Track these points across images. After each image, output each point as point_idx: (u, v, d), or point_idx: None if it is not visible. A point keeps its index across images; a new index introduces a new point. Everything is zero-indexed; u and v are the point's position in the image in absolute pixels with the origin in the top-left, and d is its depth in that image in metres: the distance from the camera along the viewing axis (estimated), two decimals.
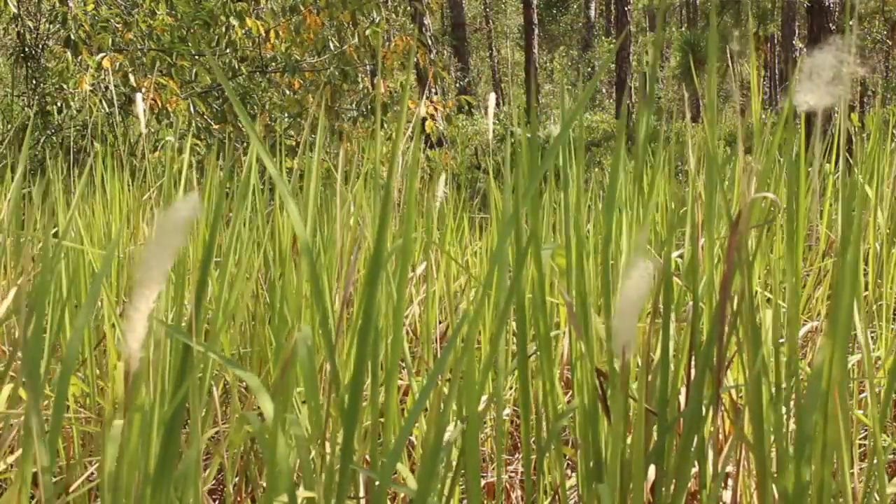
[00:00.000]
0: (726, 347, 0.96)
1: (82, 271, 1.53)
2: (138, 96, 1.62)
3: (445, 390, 0.95)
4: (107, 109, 4.16)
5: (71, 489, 1.34)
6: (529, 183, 0.85)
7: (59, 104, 4.30)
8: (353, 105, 4.85)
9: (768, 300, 1.52)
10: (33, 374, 0.74)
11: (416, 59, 5.09)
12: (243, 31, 4.64)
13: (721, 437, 1.19)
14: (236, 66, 4.72)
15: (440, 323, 1.71)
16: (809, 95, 0.76)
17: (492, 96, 1.20)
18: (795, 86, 0.76)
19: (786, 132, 0.93)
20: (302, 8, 4.74)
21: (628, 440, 0.91)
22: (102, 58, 4.16)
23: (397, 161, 0.79)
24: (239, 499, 1.36)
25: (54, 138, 4.28)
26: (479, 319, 0.85)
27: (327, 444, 0.96)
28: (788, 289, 0.90)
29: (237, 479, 1.37)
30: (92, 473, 1.39)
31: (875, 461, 0.86)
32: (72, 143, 3.88)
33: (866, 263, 1.79)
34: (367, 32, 4.80)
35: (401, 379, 1.57)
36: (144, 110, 3.83)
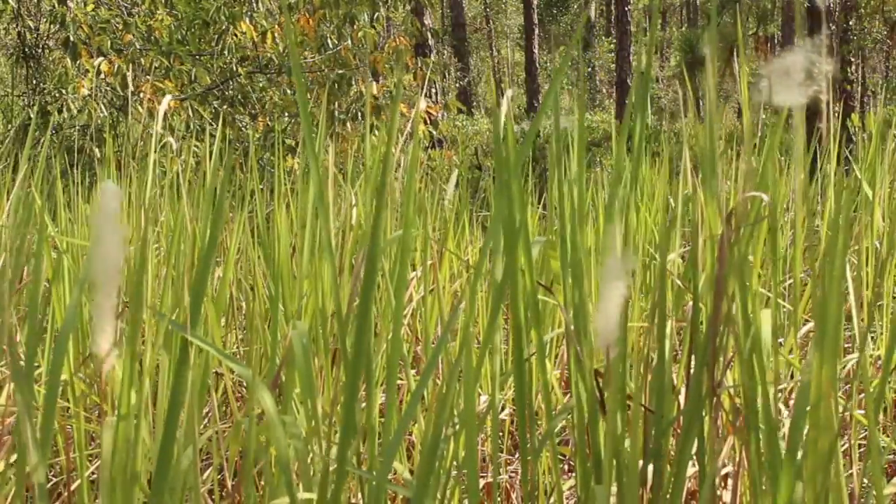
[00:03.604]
0: (724, 346, 0.96)
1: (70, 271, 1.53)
2: (164, 101, 1.62)
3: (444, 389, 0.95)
4: (105, 113, 4.16)
5: (72, 488, 1.34)
6: (513, 166, 0.85)
7: (59, 105, 4.30)
8: (347, 106, 4.84)
9: (767, 300, 1.52)
10: (25, 377, 0.74)
11: (408, 62, 5.08)
12: (241, 33, 4.64)
13: (721, 437, 1.19)
14: (234, 67, 4.71)
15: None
16: (785, 94, 0.77)
17: (508, 93, 1.20)
18: (771, 85, 0.77)
19: (774, 134, 0.93)
20: (298, 8, 4.73)
21: (626, 441, 0.91)
22: (101, 62, 4.16)
23: (391, 158, 0.79)
24: (238, 498, 1.36)
25: (54, 139, 4.29)
26: (473, 317, 0.85)
27: (324, 444, 0.96)
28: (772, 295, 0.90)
29: (235, 479, 1.37)
30: (92, 473, 1.39)
31: (872, 461, 0.86)
32: (75, 144, 3.88)
33: (867, 263, 1.79)
34: (360, 34, 4.79)
35: (401, 379, 1.57)
36: (153, 112, 3.83)
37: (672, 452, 1.05)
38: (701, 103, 0.96)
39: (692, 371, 0.93)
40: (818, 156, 2.24)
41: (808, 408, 0.80)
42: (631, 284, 1.14)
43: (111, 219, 0.68)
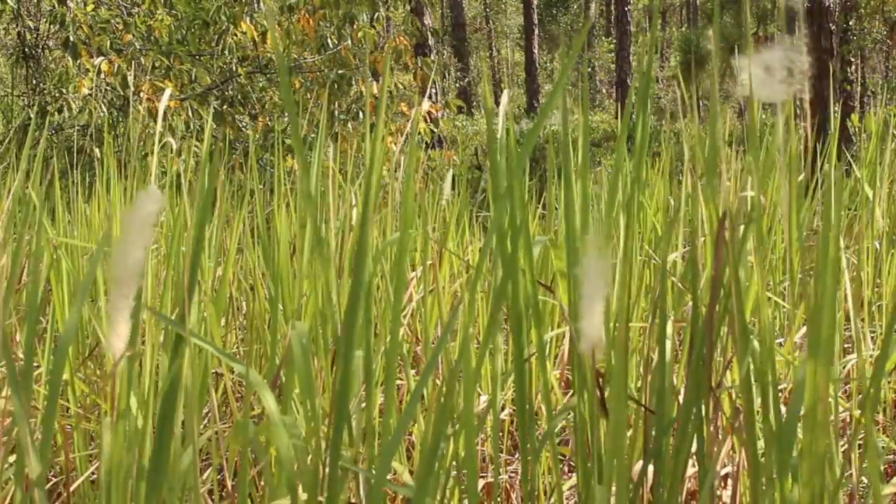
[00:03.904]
0: (723, 345, 0.95)
1: (78, 273, 1.53)
2: (165, 95, 1.62)
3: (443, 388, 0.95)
4: (105, 112, 4.16)
5: (71, 489, 1.34)
6: (514, 169, 0.85)
7: (59, 105, 4.30)
8: (347, 106, 4.84)
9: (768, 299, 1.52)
10: (22, 379, 0.74)
11: (408, 61, 5.08)
12: (241, 33, 4.64)
13: (720, 437, 1.19)
14: (234, 67, 4.71)
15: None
16: (765, 90, 0.77)
17: (506, 93, 1.18)
18: (753, 81, 0.77)
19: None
20: (298, 8, 4.73)
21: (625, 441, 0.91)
22: (101, 62, 4.16)
23: (378, 156, 0.79)
24: (238, 498, 1.36)
25: (54, 139, 4.29)
26: (472, 316, 0.85)
27: (323, 444, 0.95)
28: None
29: (235, 479, 1.37)
30: (92, 473, 1.39)
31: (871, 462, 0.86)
32: (76, 144, 3.88)
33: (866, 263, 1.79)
34: (360, 34, 4.79)
35: (402, 379, 1.57)
36: (153, 112, 3.83)
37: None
38: (701, 103, 0.96)
39: (689, 370, 0.93)
40: (817, 155, 2.24)
41: (801, 411, 0.80)
42: (626, 283, 1.15)
43: (146, 222, 0.69)
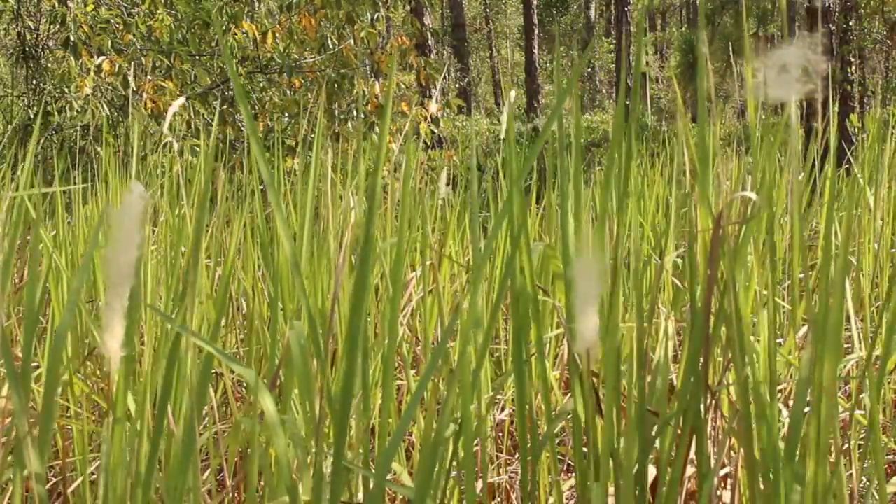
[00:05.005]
0: (724, 347, 0.95)
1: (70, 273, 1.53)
2: (174, 105, 1.62)
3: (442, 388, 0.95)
4: (107, 112, 4.16)
5: (70, 489, 1.34)
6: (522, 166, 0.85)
7: (60, 105, 4.30)
8: (347, 107, 4.83)
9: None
10: (21, 381, 0.74)
11: (411, 61, 5.07)
12: (241, 32, 4.63)
13: (721, 436, 1.19)
14: (234, 67, 4.68)
15: None
16: (780, 89, 0.77)
17: (511, 94, 1.17)
18: (766, 80, 0.77)
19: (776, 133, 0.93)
20: (298, 8, 4.73)
21: (622, 441, 0.91)
22: (102, 61, 4.16)
23: (381, 160, 0.79)
24: (238, 497, 1.36)
25: (55, 138, 4.29)
26: (472, 317, 0.85)
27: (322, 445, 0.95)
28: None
29: (235, 479, 1.37)
30: (92, 473, 1.39)
31: (873, 461, 0.86)
32: (77, 143, 3.88)
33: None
34: (363, 34, 4.78)
35: (402, 380, 1.57)
36: (153, 111, 3.83)
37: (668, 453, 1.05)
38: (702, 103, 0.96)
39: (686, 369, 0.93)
40: (816, 155, 2.24)
41: (806, 406, 0.80)
42: (620, 283, 1.15)
43: (134, 219, 0.69)
